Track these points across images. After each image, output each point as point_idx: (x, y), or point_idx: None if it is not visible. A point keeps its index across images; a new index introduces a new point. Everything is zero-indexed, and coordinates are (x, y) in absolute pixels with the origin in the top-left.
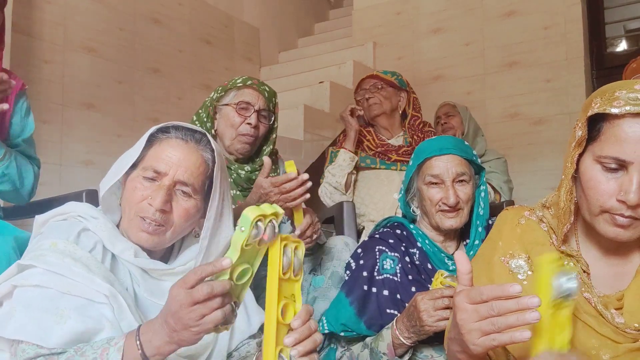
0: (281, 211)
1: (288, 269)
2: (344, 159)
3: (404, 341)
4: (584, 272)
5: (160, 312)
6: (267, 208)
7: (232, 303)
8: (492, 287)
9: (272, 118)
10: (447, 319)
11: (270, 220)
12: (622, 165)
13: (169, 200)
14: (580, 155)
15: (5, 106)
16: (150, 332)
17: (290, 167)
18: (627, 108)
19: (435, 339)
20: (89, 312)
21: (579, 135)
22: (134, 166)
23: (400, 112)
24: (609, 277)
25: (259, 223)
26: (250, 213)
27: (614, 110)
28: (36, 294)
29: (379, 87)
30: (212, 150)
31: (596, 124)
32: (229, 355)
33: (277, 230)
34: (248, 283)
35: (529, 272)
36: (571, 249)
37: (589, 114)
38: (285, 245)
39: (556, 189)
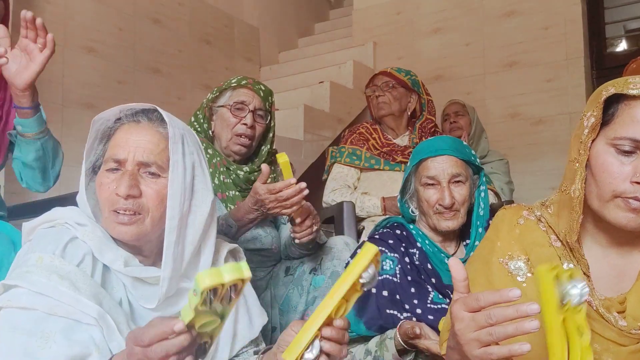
0: (248, 276)
1: (362, 281)
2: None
3: (408, 348)
4: (584, 274)
5: (124, 352)
6: (228, 273)
7: (204, 342)
8: (489, 293)
9: (269, 117)
10: None
11: (234, 285)
12: (637, 147)
13: (135, 184)
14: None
15: (3, 61)
16: None
17: (281, 158)
18: None
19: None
20: (75, 335)
21: (592, 121)
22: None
23: (410, 113)
24: (610, 279)
25: (217, 290)
26: (202, 281)
27: (632, 92)
28: (22, 317)
29: (391, 85)
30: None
31: (609, 108)
32: None
33: (234, 296)
34: (221, 326)
35: (529, 274)
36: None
37: (604, 96)
38: (372, 261)
39: (558, 188)
